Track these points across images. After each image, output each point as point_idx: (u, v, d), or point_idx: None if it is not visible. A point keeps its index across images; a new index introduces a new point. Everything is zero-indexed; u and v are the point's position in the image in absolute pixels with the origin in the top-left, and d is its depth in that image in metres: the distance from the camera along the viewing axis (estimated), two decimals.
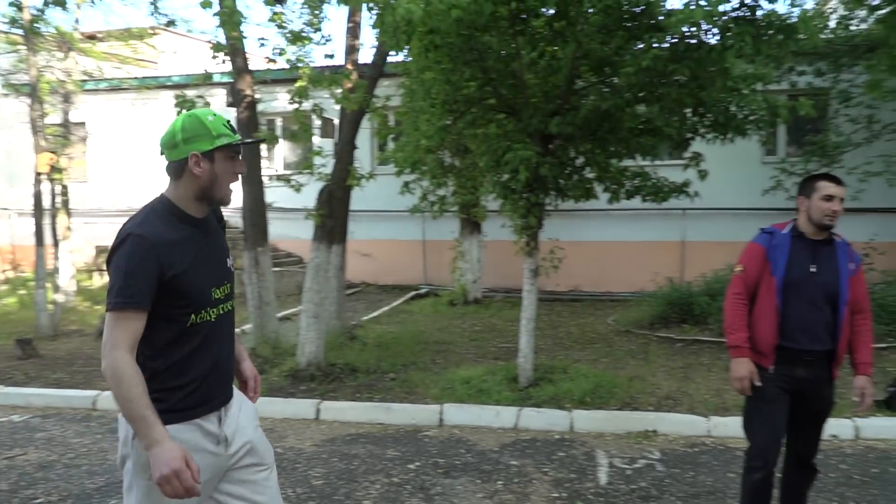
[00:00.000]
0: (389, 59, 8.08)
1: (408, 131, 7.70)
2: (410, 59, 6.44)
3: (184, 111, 2.42)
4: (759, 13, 5.07)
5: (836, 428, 5.28)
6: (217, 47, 6.60)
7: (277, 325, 7.96)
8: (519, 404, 5.99)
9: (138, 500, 2.16)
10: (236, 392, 2.44)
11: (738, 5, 5.10)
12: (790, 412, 3.35)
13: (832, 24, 11.52)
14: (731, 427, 5.44)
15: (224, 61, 7.04)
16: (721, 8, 4.82)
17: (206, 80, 7.20)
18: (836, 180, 3.29)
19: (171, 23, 7.13)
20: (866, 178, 11.27)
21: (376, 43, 7.31)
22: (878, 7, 6.59)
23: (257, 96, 8.52)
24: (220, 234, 2.41)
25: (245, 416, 2.41)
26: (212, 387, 2.25)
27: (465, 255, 12.15)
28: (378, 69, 7.68)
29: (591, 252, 13.28)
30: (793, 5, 7.41)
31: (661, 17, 5.23)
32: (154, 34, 14.28)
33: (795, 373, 3.28)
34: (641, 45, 5.58)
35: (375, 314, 11.14)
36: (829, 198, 3.24)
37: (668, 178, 6.74)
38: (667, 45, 5.38)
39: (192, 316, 2.18)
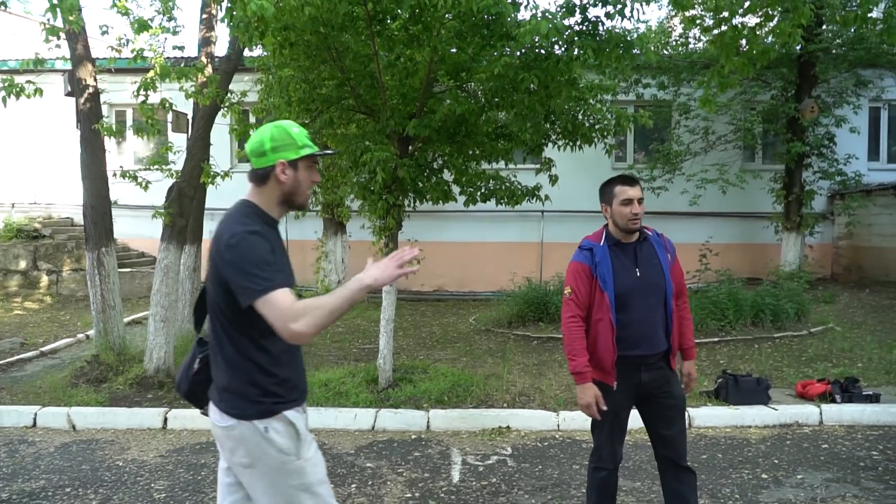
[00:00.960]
0: (248, 53, 7.83)
1: None
2: (266, 54, 6.26)
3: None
4: (600, 28, 5.36)
5: None
6: (51, 31, 6.09)
7: (124, 330, 7.48)
8: (377, 406, 5.99)
9: (295, 483, 2.26)
10: None
11: (581, 21, 5.37)
12: (646, 419, 3.36)
13: (674, 41, 12.42)
14: (578, 421, 5.74)
15: (59, 46, 6.51)
16: (566, 22, 5.05)
17: (37, 65, 6.61)
18: (629, 181, 3.26)
19: (2, 3, 6.48)
20: (703, 185, 12.26)
21: (231, 37, 7.04)
22: (709, 28, 7.14)
23: (102, 86, 7.98)
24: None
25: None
26: (302, 378, 2.42)
27: (328, 255, 12.01)
28: (233, 63, 7.41)
29: (454, 252, 13.54)
30: (638, 21, 7.88)
31: (511, 28, 5.38)
32: None
33: (639, 378, 3.24)
34: (496, 53, 5.75)
35: None
36: (628, 201, 3.20)
37: (522, 182, 6.99)
38: (518, 54, 5.57)
39: None
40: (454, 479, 4.70)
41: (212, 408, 2.33)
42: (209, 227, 13.93)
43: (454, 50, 6.06)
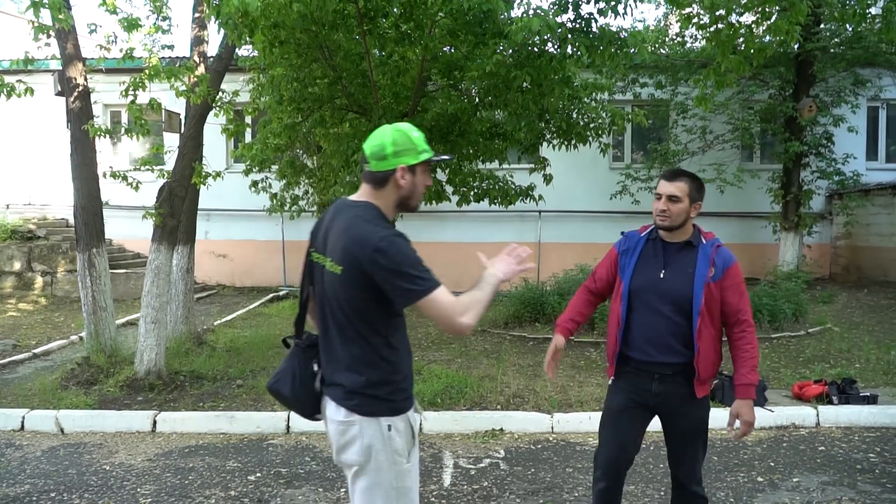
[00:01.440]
0: (240, 53, 7.77)
1: (259, 128, 7.44)
2: (256, 53, 6.20)
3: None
4: (593, 26, 5.30)
5: None
6: (39, 29, 6.03)
7: (115, 331, 7.41)
8: None
9: (397, 486, 2.31)
10: None
11: (573, 18, 5.31)
12: (664, 433, 3.15)
13: (671, 40, 12.36)
14: (572, 423, 5.68)
15: (48, 45, 6.44)
16: (558, 19, 4.99)
17: (26, 64, 6.55)
18: (669, 175, 3.04)
19: None
20: None
21: (219, 32, 6.98)
22: (705, 26, 7.08)
23: (97, 86, 7.93)
24: None
25: None
26: (412, 376, 2.46)
27: None
28: (224, 62, 7.34)
29: (450, 253, 13.44)
30: (634, 20, 7.81)
31: (505, 26, 5.32)
32: None
33: (649, 387, 3.02)
34: (488, 51, 5.68)
35: (229, 318, 10.68)
36: (658, 196, 3.02)
37: (516, 181, 6.93)
38: (511, 52, 5.51)
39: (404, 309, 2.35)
40: (445, 482, 4.63)
41: (330, 405, 2.37)
42: (204, 228, 13.87)
43: (447, 49, 6.01)
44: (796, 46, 11.07)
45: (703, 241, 3.04)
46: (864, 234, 13.37)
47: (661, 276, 2.99)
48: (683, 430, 3.07)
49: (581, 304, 3.32)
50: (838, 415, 5.78)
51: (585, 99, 6.20)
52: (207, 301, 12.70)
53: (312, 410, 2.50)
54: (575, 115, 6.29)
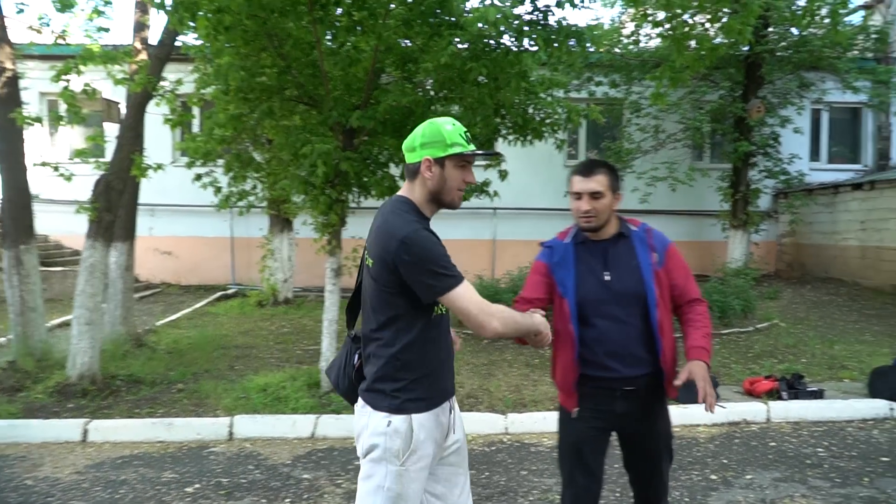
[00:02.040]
0: (185, 40, 7.42)
1: (204, 119, 7.12)
2: (200, 40, 5.91)
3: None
4: (550, 19, 5.19)
5: None
6: None
7: (46, 333, 7.01)
8: (318, 411, 5.70)
9: (385, 486, 2.28)
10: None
11: (531, 10, 5.19)
12: (622, 450, 2.87)
13: (626, 39, 12.43)
14: (527, 423, 5.57)
15: None
16: (515, 11, 4.86)
17: None
18: (584, 170, 2.72)
19: None
20: (653, 183, 12.31)
21: (158, 14, 6.66)
22: (661, 23, 7.08)
23: (27, 72, 7.50)
24: None
25: (459, 414, 2.54)
26: (445, 377, 2.42)
27: (274, 253, 11.62)
28: (166, 49, 7.00)
29: None
30: (590, 13, 7.77)
31: (460, 16, 5.17)
32: None
33: (612, 407, 2.71)
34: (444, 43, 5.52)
35: (174, 317, 10.29)
36: (577, 195, 2.71)
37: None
38: (467, 44, 5.35)
39: (437, 307, 2.34)
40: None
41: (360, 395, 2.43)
42: (148, 224, 13.35)
43: (401, 40, 5.83)
44: (745, 49, 11.25)
45: (634, 229, 2.78)
46: (807, 232, 13.70)
47: (607, 279, 2.68)
48: (647, 450, 2.79)
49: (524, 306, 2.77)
50: (788, 410, 5.82)
51: (542, 94, 6.08)
52: (150, 300, 12.24)
53: (352, 399, 2.51)
54: (531, 111, 6.17)
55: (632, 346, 2.66)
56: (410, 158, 2.36)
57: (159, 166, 6.76)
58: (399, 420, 2.29)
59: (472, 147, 2.37)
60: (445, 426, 2.41)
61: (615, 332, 2.67)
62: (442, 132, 2.32)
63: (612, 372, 2.68)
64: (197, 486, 4.46)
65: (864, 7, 13.76)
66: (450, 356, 2.45)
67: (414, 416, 2.30)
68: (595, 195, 2.67)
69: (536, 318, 2.43)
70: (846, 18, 9.53)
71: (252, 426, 5.46)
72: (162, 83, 6.99)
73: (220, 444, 5.28)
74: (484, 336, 2.23)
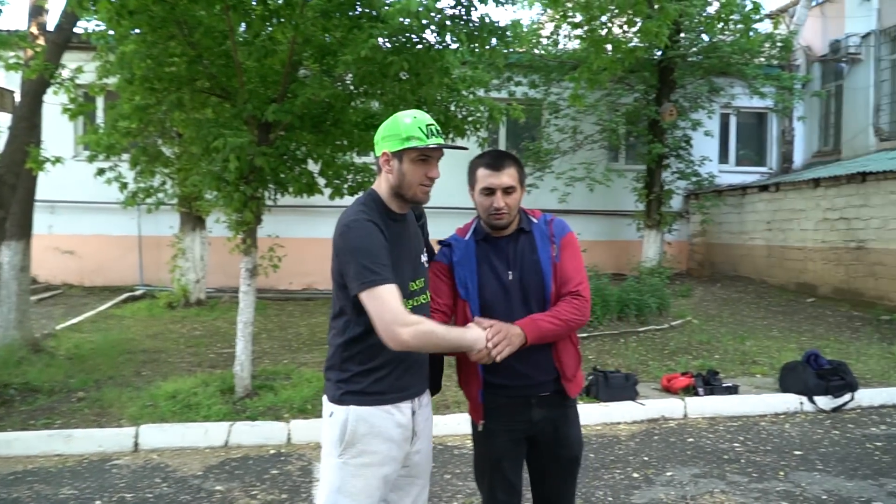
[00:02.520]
0: (87, 27, 6.95)
1: (107, 110, 6.71)
2: (102, 25, 5.53)
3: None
4: (473, 14, 5.13)
5: None
6: None
7: None
8: (231, 419, 5.43)
9: (326, 476, 2.29)
10: (428, 394, 2.50)
11: (453, 4, 5.11)
12: (529, 466, 2.66)
13: (545, 41, 12.58)
14: (450, 425, 5.47)
15: None
16: (438, 4, 4.77)
17: None
18: (495, 164, 2.50)
19: None
20: (572, 183, 12.51)
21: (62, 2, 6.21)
22: (580, 24, 7.15)
23: None
24: (417, 231, 2.52)
25: (430, 422, 2.49)
26: (403, 376, 2.31)
27: (186, 252, 11.12)
28: (65, 34, 6.54)
29: (325, 249, 12.90)
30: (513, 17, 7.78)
31: (381, 8, 5.03)
32: None
33: (528, 416, 2.54)
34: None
35: (76, 321, 9.67)
36: (489, 191, 2.49)
37: None
38: (387, 42, 5.21)
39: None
40: (315, 498, 4.28)
41: None
42: (48, 222, 12.56)
43: (322, 34, 5.63)
44: (659, 53, 11.59)
45: (535, 221, 2.60)
46: (717, 232, 14.25)
47: (510, 277, 2.51)
48: (560, 459, 2.60)
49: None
50: (703, 406, 5.97)
51: (464, 92, 6.01)
52: (51, 302, 11.49)
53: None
54: (453, 108, 6.10)
55: (543, 348, 2.47)
56: (375, 152, 2.34)
57: (58, 159, 6.32)
58: (339, 411, 2.26)
59: (433, 140, 2.26)
60: (407, 427, 2.32)
61: None
62: (399, 125, 2.27)
63: (526, 379, 2.50)
64: (98, 502, 4.14)
65: (770, 17, 14.44)
66: (411, 356, 2.31)
67: (353, 408, 2.25)
68: (508, 190, 2.48)
69: (469, 336, 2.27)
70: (754, 26, 9.95)
71: (160, 436, 5.15)
72: (61, 71, 6.53)
73: (124, 457, 4.95)
74: (391, 347, 2.13)
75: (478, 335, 2.27)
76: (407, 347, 2.14)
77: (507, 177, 2.48)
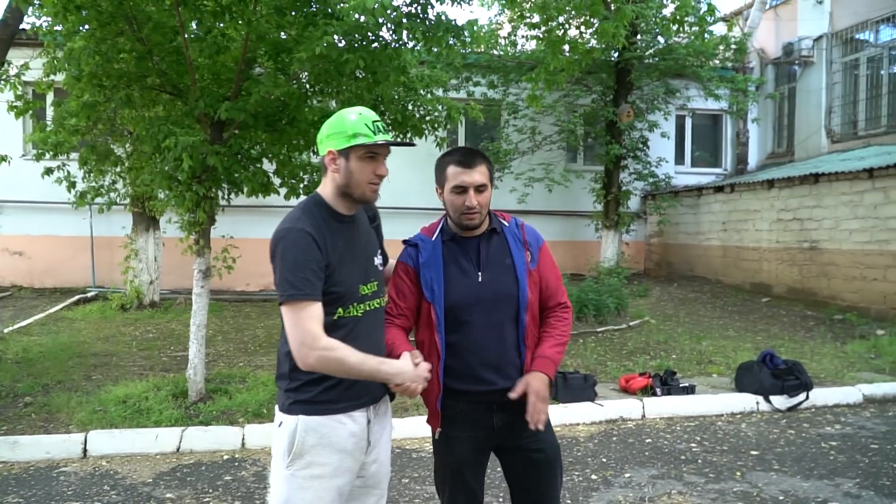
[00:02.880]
0: (35, 22, 6.73)
1: (54, 107, 6.49)
2: (48, 19, 5.35)
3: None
4: (430, 12, 5.09)
5: None
6: None
7: None
8: (184, 423, 5.30)
9: (274, 488, 2.23)
10: (387, 401, 2.41)
11: (409, 2, 5.07)
12: (506, 474, 2.58)
13: (503, 41, 12.61)
14: (408, 428, 5.45)
15: None
16: (394, 2, 4.72)
17: None
18: (467, 161, 2.42)
19: None
20: (531, 184, 12.55)
21: None
22: (537, 25, 7.17)
23: None
24: (370, 232, 2.44)
25: (388, 430, 2.43)
26: (356, 384, 2.22)
27: (139, 253, 10.85)
28: (11, 29, 6.30)
29: None
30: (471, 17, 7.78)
31: (336, 5, 4.96)
32: None
33: (490, 422, 2.46)
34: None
35: (24, 323, 9.36)
36: (461, 189, 2.40)
37: None
38: (343, 36, 5.14)
39: (339, 309, 2.21)
40: None
41: None
42: None
43: (276, 30, 5.53)
44: (616, 55, 11.71)
45: (506, 224, 2.55)
46: (673, 233, 14.46)
47: (480, 279, 2.43)
48: (536, 463, 2.49)
49: (403, 344, 2.44)
50: (661, 406, 6.03)
51: (421, 91, 5.98)
52: None
53: None
54: (411, 107, 6.05)
55: (508, 353, 2.44)
56: (319, 152, 2.26)
57: (3, 158, 6.10)
58: (288, 420, 2.20)
59: (380, 137, 2.20)
60: (361, 437, 2.25)
61: (491, 340, 2.43)
62: (344, 122, 2.21)
63: (488, 384, 2.43)
64: None
65: (724, 19, 14.71)
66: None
67: (302, 418, 2.18)
68: (480, 188, 2.41)
69: (385, 369, 2.16)
70: (709, 28, 10.14)
71: (109, 442, 4.99)
72: (6, 67, 6.31)
73: (72, 464, 4.79)
74: (302, 366, 2.10)
75: (398, 370, 2.18)
76: (313, 370, 2.10)
77: (479, 174, 2.42)
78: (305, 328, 2.07)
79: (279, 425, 2.23)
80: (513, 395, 2.38)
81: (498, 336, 2.44)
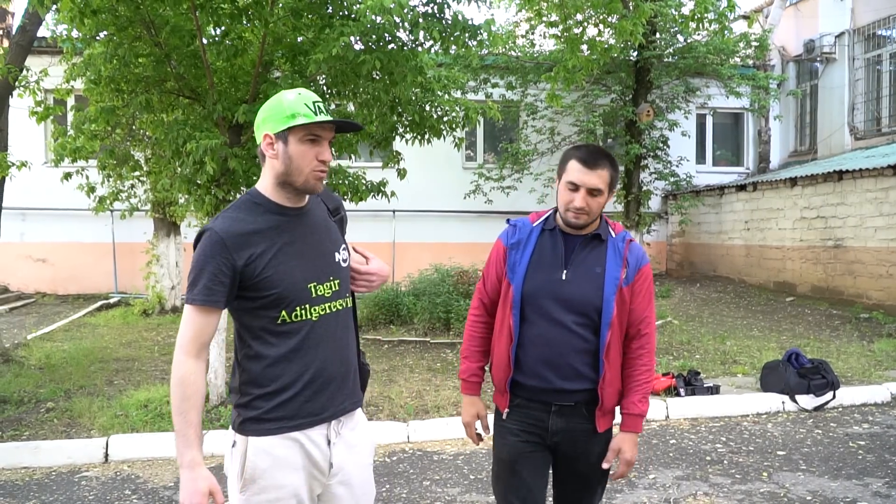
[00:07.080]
0: (58, 31, 6.80)
1: (74, 113, 6.54)
2: (64, 24, 5.40)
3: None
4: (446, 12, 5.06)
5: None
6: None
7: None
8: (205, 427, 5.28)
9: None
10: (360, 415, 2.20)
11: (426, 1, 5.04)
12: (553, 479, 2.54)
13: (521, 41, 12.56)
14: (429, 431, 5.40)
15: None
16: (411, 2, 4.70)
17: None
18: (591, 161, 2.32)
19: None
20: (550, 184, 12.48)
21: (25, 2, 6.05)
22: (556, 23, 7.11)
23: None
24: (330, 226, 2.18)
25: (362, 447, 2.18)
26: (315, 398, 2.03)
27: (160, 258, 10.93)
28: (30, 35, 6.38)
29: None
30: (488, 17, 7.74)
31: (353, 6, 4.94)
32: None
33: (545, 423, 2.39)
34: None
35: (47, 330, 9.46)
36: (574, 187, 2.32)
37: (369, 177, 6.56)
38: (359, 37, 5.13)
39: (283, 313, 2.00)
40: None
41: None
42: (19, 229, 12.34)
43: (291, 31, 5.53)
44: (635, 54, 11.60)
45: (613, 234, 2.43)
46: (695, 232, 14.30)
47: (563, 277, 2.34)
48: (585, 476, 2.46)
49: (481, 340, 2.54)
50: (685, 406, 5.92)
51: (439, 91, 5.95)
52: (23, 312, 11.25)
53: None
54: (428, 108, 6.02)
55: (571, 357, 2.34)
56: (256, 138, 2.04)
57: (23, 164, 6.16)
58: (240, 441, 2.00)
59: (321, 117, 1.97)
60: (322, 456, 2.04)
61: (554, 339, 2.34)
62: (282, 103, 1.98)
63: (545, 382, 2.36)
64: None
65: (745, 17, 14.54)
66: (325, 372, 2.05)
67: (251, 439, 1.98)
68: (594, 192, 2.31)
69: (187, 459, 1.92)
70: (729, 25, 10.01)
71: (130, 446, 5.00)
72: (26, 74, 6.36)
73: (93, 468, 4.80)
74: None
75: (188, 466, 1.92)
76: (173, 367, 1.98)
77: (598, 178, 2.31)
78: (183, 333, 1.97)
79: (232, 445, 2.03)
80: (605, 465, 2.41)
81: (566, 338, 2.35)
